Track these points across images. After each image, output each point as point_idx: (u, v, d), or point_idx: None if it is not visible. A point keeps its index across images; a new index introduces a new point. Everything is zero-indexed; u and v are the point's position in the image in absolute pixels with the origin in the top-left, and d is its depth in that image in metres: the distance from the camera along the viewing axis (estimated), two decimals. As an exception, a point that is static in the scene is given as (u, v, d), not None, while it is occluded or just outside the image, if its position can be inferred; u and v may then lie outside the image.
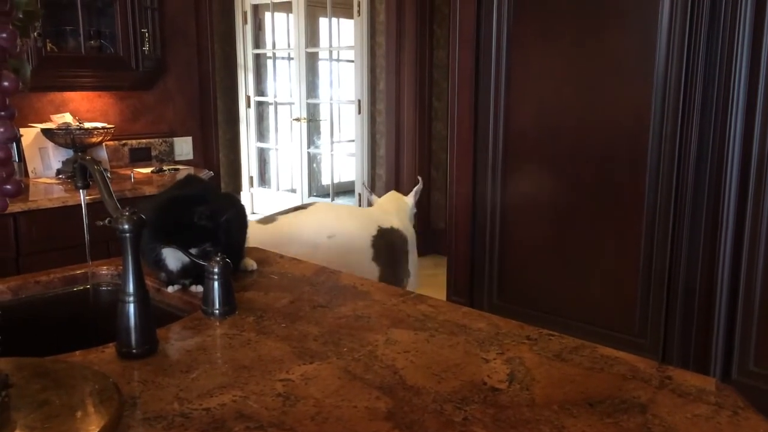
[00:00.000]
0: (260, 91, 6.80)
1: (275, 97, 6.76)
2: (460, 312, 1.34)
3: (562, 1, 2.65)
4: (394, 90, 5.45)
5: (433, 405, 0.96)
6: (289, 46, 6.60)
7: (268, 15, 6.68)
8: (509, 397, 0.99)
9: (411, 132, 5.38)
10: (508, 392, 1.00)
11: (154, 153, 3.65)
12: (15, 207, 2.58)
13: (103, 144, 3.41)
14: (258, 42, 6.73)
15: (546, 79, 2.70)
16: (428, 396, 0.99)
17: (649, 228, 2.61)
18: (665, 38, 2.46)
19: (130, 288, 1.11)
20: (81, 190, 1.28)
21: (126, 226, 1.09)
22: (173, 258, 1.39)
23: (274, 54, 6.72)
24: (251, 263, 1.61)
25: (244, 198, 6.83)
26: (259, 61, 6.79)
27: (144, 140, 3.61)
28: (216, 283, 1.29)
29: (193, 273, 1.44)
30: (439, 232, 5.18)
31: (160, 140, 3.67)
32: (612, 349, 1.16)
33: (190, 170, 3.50)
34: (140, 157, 3.59)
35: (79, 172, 1.25)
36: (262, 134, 6.85)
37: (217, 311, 1.30)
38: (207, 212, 1.31)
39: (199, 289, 1.48)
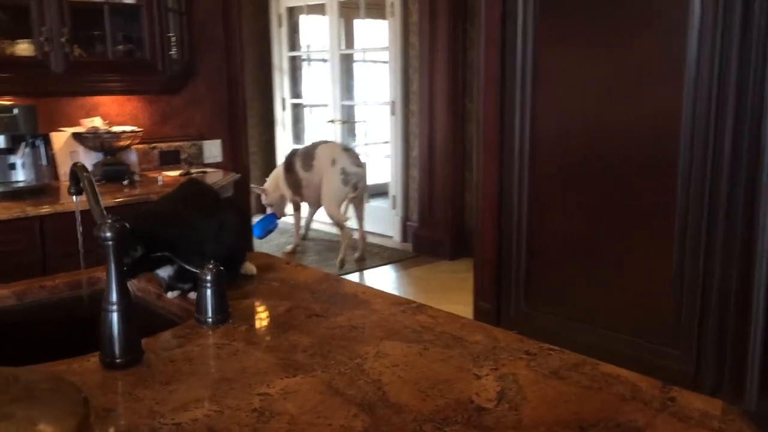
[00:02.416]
0: (296, 93, 6.82)
1: (310, 99, 6.77)
2: (458, 323, 1.29)
3: (589, 3, 2.56)
4: (427, 91, 5.39)
5: (412, 425, 0.91)
6: (325, 48, 6.59)
7: (303, 17, 6.70)
8: (495, 418, 0.93)
9: (444, 133, 5.31)
10: (494, 412, 0.95)
11: (183, 156, 3.68)
12: (42, 210, 2.61)
13: (133, 147, 3.44)
14: (293, 44, 6.75)
15: (573, 80, 2.62)
16: (409, 414, 0.94)
17: (681, 234, 2.51)
18: (695, 41, 2.36)
19: (113, 297, 1.09)
20: (74, 197, 1.27)
21: (108, 234, 1.07)
22: (162, 267, 1.37)
23: (308, 56, 6.72)
24: (251, 268, 1.59)
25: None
26: (295, 64, 6.81)
27: (173, 143, 3.64)
28: (209, 291, 1.27)
29: (192, 278, 1.42)
30: (472, 234, 5.10)
31: (190, 143, 3.69)
32: (614, 367, 1.10)
33: (218, 173, 3.51)
34: (169, 160, 3.62)
35: (71, 178, 1.24)
36: (297, 136, 6.87)
37: (210, 319, 1.27)
38: (138, 251, 1.27)
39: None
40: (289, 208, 6.66)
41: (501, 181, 2.90)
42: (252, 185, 5.86)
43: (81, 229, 1.32)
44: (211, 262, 1.27)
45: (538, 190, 2.79)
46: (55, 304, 1.53)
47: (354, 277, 5.02)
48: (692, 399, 0.99)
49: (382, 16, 5.89)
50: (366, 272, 5.14)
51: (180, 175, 3.37)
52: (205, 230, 1.39)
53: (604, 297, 2.67)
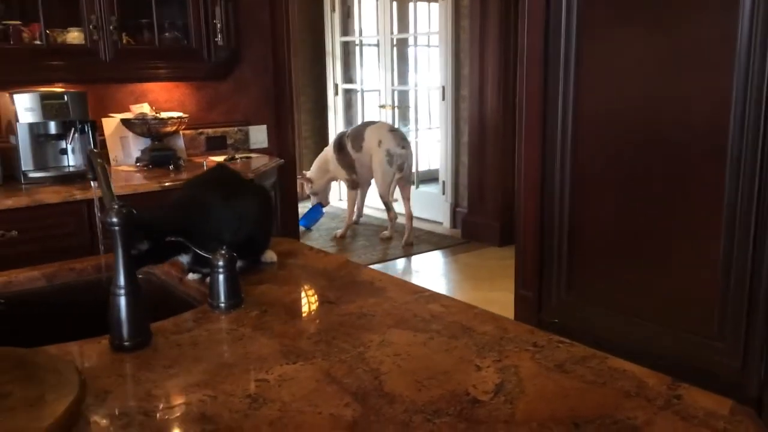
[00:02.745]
0: (348, 78, 6.82)
1: (361, 84, 6.77)
2: (471, 313, 1.26)
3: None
4: (477, 75, 5.32)
5: (402, 416, 0.90)
6: (377, 32, 6.56)
7: (356, 2, 6.68)
8: (487, 411, 0.91)
9: (494, 118, 5.23)
10: (488, 405, 0.93)
11: (229, 141, 3.73)
12: (89, 193, 2.68)
13: (180, 132, 3.51)
14: (347, 29, 6.75)
15: (618, 64, 2.53)
16: (401, 405, 0.93)
17: (730, 223, 2.40)
18: (747, 25, 2.24)
19: (121, 281, 1.11)
20: (92, 182, 1.30)
21: (114, 220, 1.09)
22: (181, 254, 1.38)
23: (360, 41, 6.71)
24: (271, 255, 1.59)
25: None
26: (348, 49, 6.81)
27: (220, 129, 3.69)
28: (221, 276, 1.28)
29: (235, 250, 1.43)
30: (522, 221, 5.02)
31: (236, 129, 3.74)
32: (624, 361, 1.06)
33: (263, 158, 3.55)
34: (216, 145, 3.68)
35: (88, 163, 1.27)
36: (349, 121, 6.88)
37: (222, 304, 1.29)
38: (145, 245, 1.28)
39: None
40: (335, 194, 6.72)
41: (543, 167, 2.84)
42: (298, 175, 5.94)
43: (99, 214, 1.35)
44: (224, 247, 1.28)
45: (580, 176, 2.71)
46: (83, 286, 1.58)
47: (400, 262, 5.02)
48: (700, 397, 0.95)
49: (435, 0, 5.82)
50: (414, 258, 5.13)
51: (224, 160, 3.42)
52: (224, 216, 1.41)
53: (648, 287, 2.58)
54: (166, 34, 3.27)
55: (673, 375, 1.00)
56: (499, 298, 3.43)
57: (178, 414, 0.92)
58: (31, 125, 2.89)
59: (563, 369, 1.03)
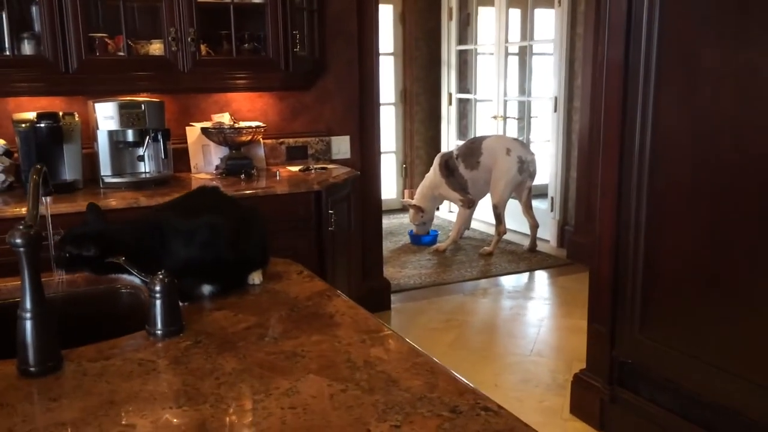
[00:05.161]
0: (462, 88, 6.67)
1: (475, 94, 6.58)
2: (410, 363, 1.11)
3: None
4: (590, 85, 4.98)
5: (236, 488, 0.78)
6: (491, 41, 6.35)
7: (475, 9, 6.51)
8: (336, 493, 0.77)
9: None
10: (342, 485, 0.79)
11: (310, 151, 3.72)
12: (153, 201, 2.74)
13: (261, 142, 3.55)
14: (464, 38, 6.60)
15: (704, 76, 2.22)
16: (246, 474, 0.81)
17: (830, 264, 2.02)
18: None
19: (27, 304, 1.07)
20: (44, 198, 1.28)
21: (18, 241, 1.05)
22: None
23: (474, 50, 6.53)
24: (255, 277, 1.52)
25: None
26: (464, 58, 6.65)
27: (301, 139, 3.69)
28: (158, 302, 1.22)
29: (200, 273, 1.38)
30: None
31: (317, 139, 3.72)
32: (544, 443, 0.87)
33: (338, 169, 3.50)
34: (296, 155, 3.68)
35: (42, 179, 1.25)
36: (462, 132, 6.72)
37: (159, 332, 1.22)
38: (91, 251, 1.26)
39: (206, 290, 1.43)
40: (445, 205, 6.58)
41: (620, 189, 2.56)
42: (407, 200, 5.90)
43: (51, 230, 1.33)
44: (162, 272, 1.22)
45: (659, 200, 2.41)
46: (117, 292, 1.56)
47: (494, 281, 4.80)
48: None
49: (551, 5, 5.54)
50: (509, 277, 4.88)
51: (299, 170, 3.41)
52: (180, 237, 1.35)
53: (733, 333, 2.24)
54: (246, 45, 3.30)
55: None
56: (583, 328, 3.16)
57: (15, 457, 0.86)
58: (110, 132, 3.02)
59: (464, 446, 0.87)
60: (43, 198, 1.27)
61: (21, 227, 1.06)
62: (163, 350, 1.17)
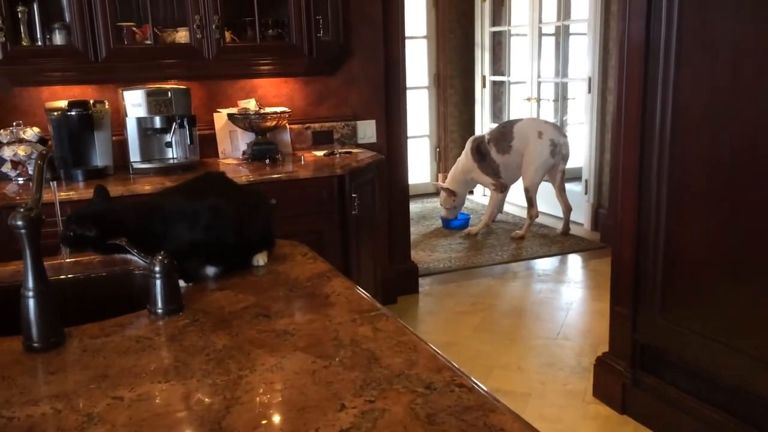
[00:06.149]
0: (497, 70, 6.61)
1: (508, 76, 6.51)
2: (395, 341, 1.14)
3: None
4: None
5: (207, 456, 0.82)
6: (528, 21, 6.26)
7: (507, -9, 6.43)
8: (300, 463, 0.80)
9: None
10: (307, 456, 0.82)
11: (336, 136, 3.75)
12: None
13: (287, 127, 3.59)
14: (498, 19, 6.52)
15: (725, 55, 2.16)
16: (218, 444, 0.85)
17: None
18: None
19: (30, 283, 1.13)
20: (51, 182, 1.34)
21: (19, 223, 1.11)
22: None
23: (508, 31, 6.46)
24: (260, 259, 1.56)
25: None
26: (498, 39, 6.58)
27: (327, 124, 3.72)
28: (158, 282, 1.26)
29: (203, 254, 1.43)
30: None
31: (342, 123, 3.75)
32: (507, 418, 0.89)
33: (363, 153, 3.52)
34: (322, 140, 3.72)
35: (47, 165, 1.31)
36: (495, 115, 6.67)
37: (159, 311, 1.27)
38: (92, 231, 1.32)
39: (210, 271, 1.47)
40: (478, 189, 6.57)
41: (641, 170, 2.52)
42: (438, 183, 5.90)
43: (59, 214, 1.39)
44: (162, 253, 1.26)
45: (679, 182, 2.37)
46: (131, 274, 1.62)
47: (525, 264, 4.78)
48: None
49: (586, -15, 5.44)
50: (542, 260, 4.86)
51: (324, 155, 3.45)
52: (181, 218, 1.39)
53: (757, 316, 2.20)
54: (270, 31, 3.34)
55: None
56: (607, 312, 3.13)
57: (10, 426, 0.91)
58: (138, 119, 3.10)
59: (432, 421, 0.89)
60: (51, 183, 1.33)
61: (22, 210, 1.11)
62: (163, 328, 1.22)
